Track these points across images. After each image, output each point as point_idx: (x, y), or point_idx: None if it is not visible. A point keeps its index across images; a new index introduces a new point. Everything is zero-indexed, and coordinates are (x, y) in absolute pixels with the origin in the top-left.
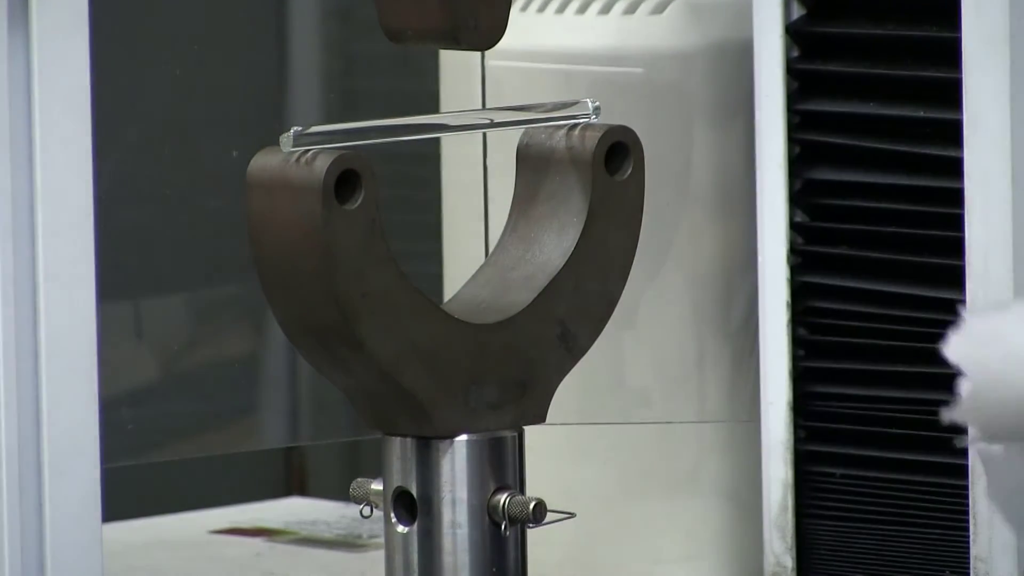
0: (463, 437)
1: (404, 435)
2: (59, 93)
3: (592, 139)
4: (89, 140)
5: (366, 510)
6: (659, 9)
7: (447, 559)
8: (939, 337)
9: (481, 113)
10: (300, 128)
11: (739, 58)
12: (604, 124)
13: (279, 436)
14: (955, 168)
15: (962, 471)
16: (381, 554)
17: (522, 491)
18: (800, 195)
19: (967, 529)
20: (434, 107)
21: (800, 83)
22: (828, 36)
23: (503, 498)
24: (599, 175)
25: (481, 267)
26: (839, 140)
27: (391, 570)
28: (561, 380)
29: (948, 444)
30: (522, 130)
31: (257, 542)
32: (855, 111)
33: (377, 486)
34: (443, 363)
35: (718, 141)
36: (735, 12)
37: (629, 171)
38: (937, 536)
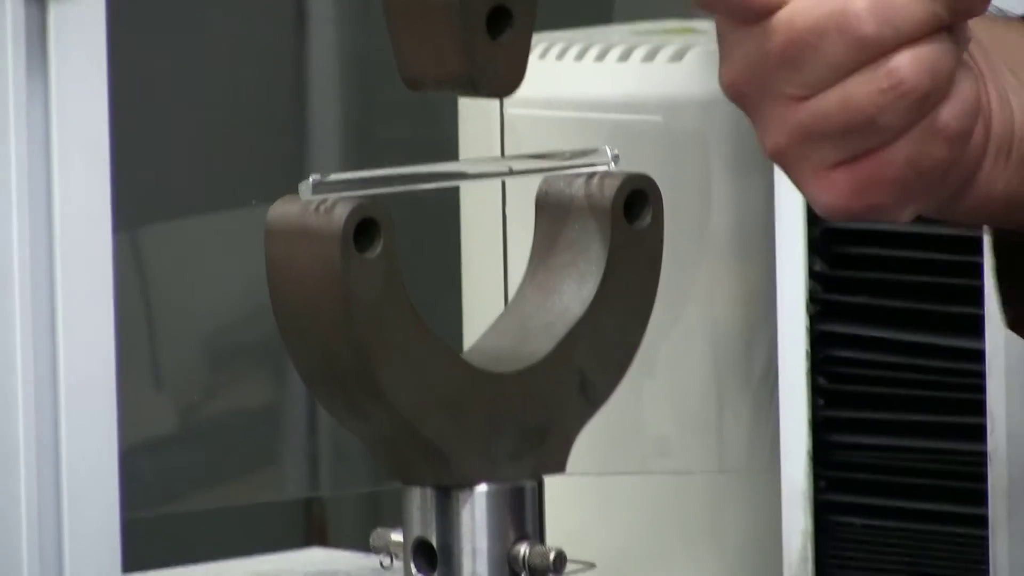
0: (483, 487)
1: (423, 485)
2: (77, 141)
3: (611, 187)
4: (108, 189)
5: (386, 560)
6: (678, 56)
7: None
8: (959, 386)
9: (500, 161)
10: (319, 176)
11: None
12: (623, 172)
13: (299, 486)
14: None
15: (982, 521)
16: None
17: (542, 541)
18: (819, 243)
19: None
20: (453, 155)
21: None
22: None
23: (523, 548)
24: (618, 223)
25: (500, 316)
26: None
27: None
28: (581, 429)
29: (969, 494)
30: (541, 178)
31: None
32: None
33: (397, 536)
34: (463, 412)
35: (737, 189)
36: None
37: (648, 219)
38: None
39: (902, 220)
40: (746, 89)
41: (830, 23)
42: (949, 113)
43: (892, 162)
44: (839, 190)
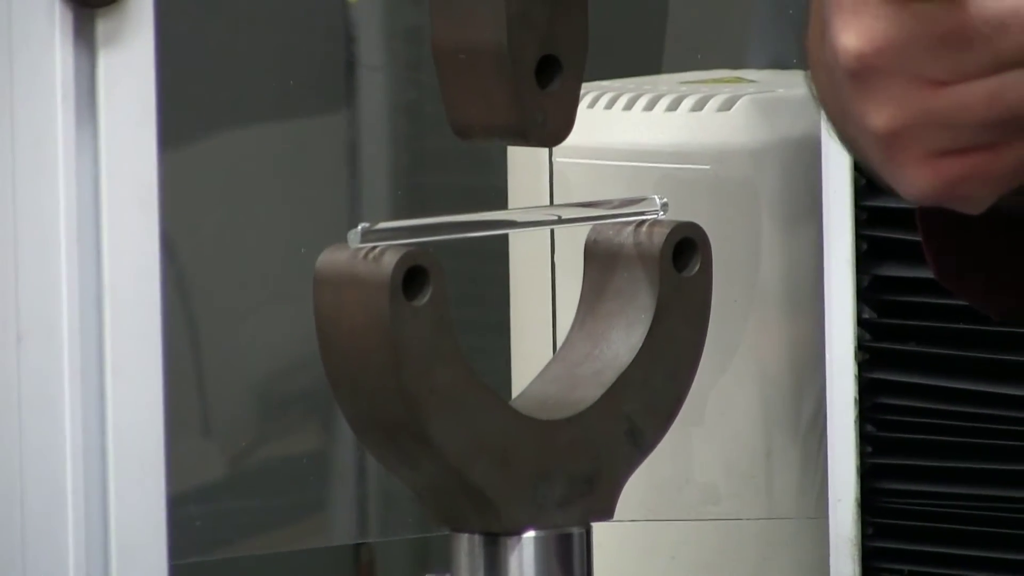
0: (531, 533)
1: (472, 532)
2: (127, 189)
3: (660, 235)
4: (157, 236)
5: None
6: (727, 106)
7: None
8: (1007, 433)
9: (549, 209)
10: (368, 224)
11: (806, 155)
12: (672, 220)
13: (347, 532)
14: None
15: None
16: None
17: None
18: (868, 291)
19: None
20: (502, 203)
21: (868, 179)
22: None
23: None
24: (667, 271)
25: (549, 363)
26: (907, 236)
27: None
28: (629, 476)
29: (1017, 541)
30: (590, 226)
31: None
32: None
33: None
34: (511, 459)
35: (786, 237)
36: (802, 109)
37: (697, 268)
38: None
39: (976, 212)
40: (877, 62)
41: (1016, 17)
42: None
43: (1004, 159)
44: (940, 179)
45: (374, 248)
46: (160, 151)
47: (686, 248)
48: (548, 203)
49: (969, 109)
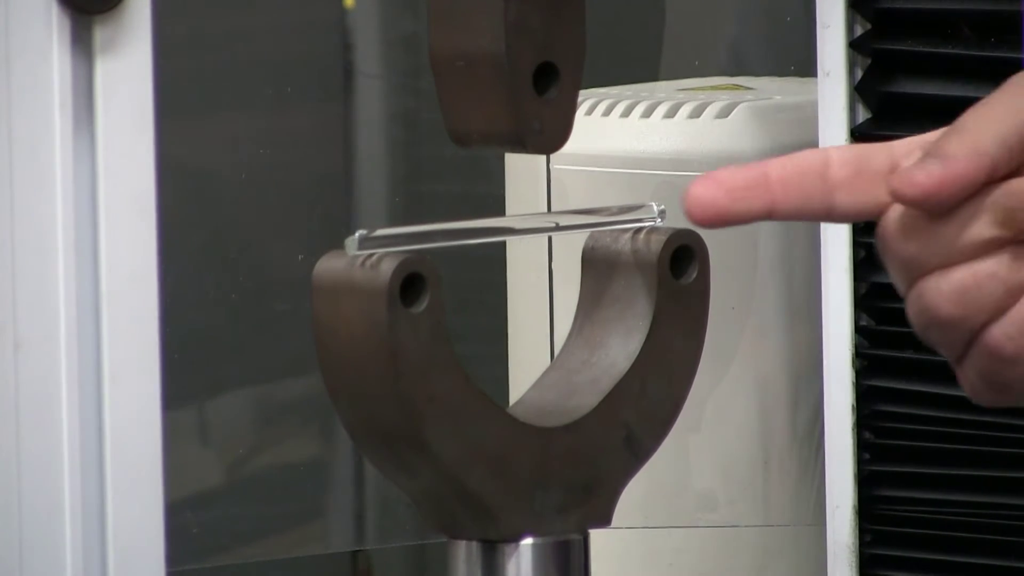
0: (528, 540)
1: (469, 539)
2: (124, 196)
3: (657, 243)
4: (155, 243)
5: None
6: (724, 113)
7: None
8: (1005, 440)
9: (546, 216)
10: (365, 231)
11: None
12: (669, 228)
13: (345, 539)
14: None
15: None
16: None
17: None
18: (865, 299)
19: None
20: (499, 210)
21: None
22: (893, 139)
23: None
24: (664, 279)
25: (546, 370)
26: None
27: None
28: (626, 483)
29: (1015, 548)
30: (587, 233)
31: None
32: None
33: None
34: (509, 466)
35: (783, 244)
36: (800, 116)
37: (695, 275)
38: None
39: None
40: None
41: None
42: (1002, 333)
43: (967, 374)
44: (964, 383)
45: (371, 255)
46: (157, 157)
47: (684, 255)
48: (546, 210)
49: (912, 319)
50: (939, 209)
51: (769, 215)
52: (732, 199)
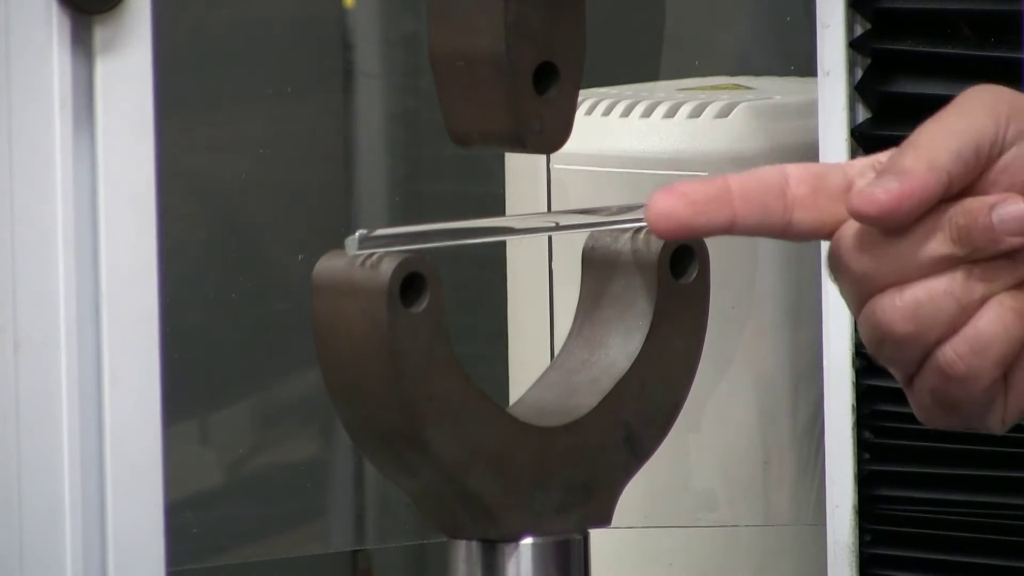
0: (528, 540)
1: (469, 538)
2: (124, 196)
3: (657, 243)
4: (154, 243)
5: None
6: (724, 113)
7: None
8: (1006, 440)
9: (546, 216)
10: (365, 231)
11: (804, 160)
12: None
13: (345, 539)
14: None
15: None
16: None
17: None
18: None
19: None
20: (499, 210)
21: None
22: (893, 139)
23: None
24: (664, 278)
25: (546, 370)
26: None
27: None
28: (626, 483)
29: (1016, 548)
30: (587, 233)
31: None
32: None
33: None
34: (509, 466)
35: (784, 244)
36: (800, 116)
37: (695, 275)
38: None
39: (986, 428)
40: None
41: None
42: (953, 352)
43: (918, 394)
44: (914, 403)
45: (371, 255)
46: (157, 157)
47: (683, 255)
48: (546, 210)
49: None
50: (897, 226)
51: (729, 229)
52: (694, 212)
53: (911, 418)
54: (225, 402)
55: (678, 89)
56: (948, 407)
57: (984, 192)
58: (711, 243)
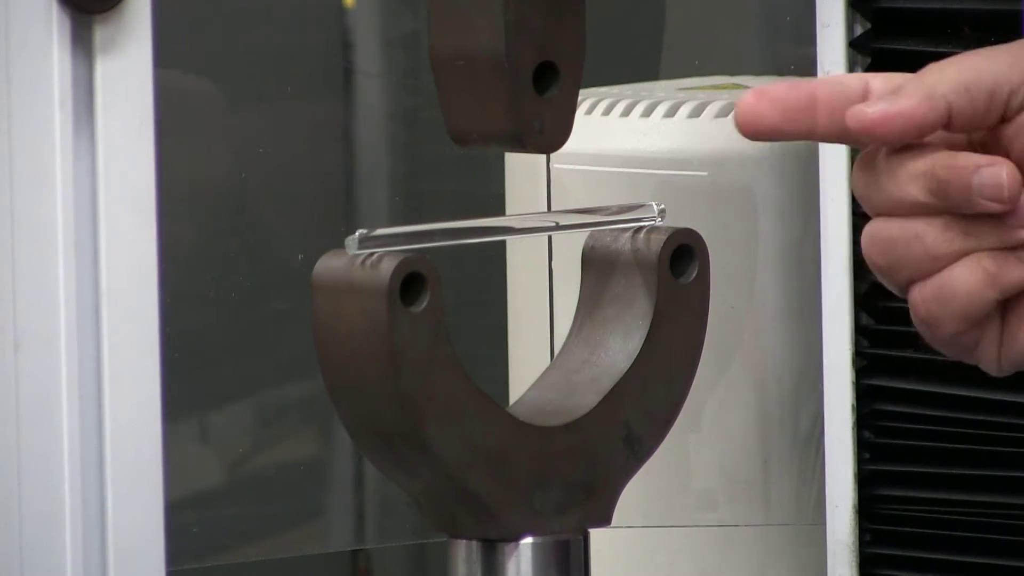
0: (528, 540)
1: (469, 538)
2: (124, 195)
3: (657, 242)
4: (154, 243)
5: None
6: (724, 112)
7: None
8: (1006, 440)
9: (546, 216)
10: (365, 231)
11: (804, 161)
12: (669, 227)
13: (344, 539)
14: None
15: None
16: None
17: None
18: (865, 298)
19: None
20: (499, 210)
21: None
22: None
23: None
24: (664, 278)
25: (546, 370)
26: None
27: None
28: (626, 483)
29: (1016, 548)
30: (587, 233)
31: None
32: None
33: None
34: (509, 466)
35: (783, 244)
36: None
37: (695, 274)
38: None
39: (981, 366)
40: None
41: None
42: (919, 295)
43: (912, 317)
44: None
45: (371, 254)
46: (157, 157)
47: (684, 255)
48: (546, 209)
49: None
50: (884, 144)
51: (811, 136)
52: (784, 118)
53: (911, 418)
54: (225, 402)
55: (678, 89)
56: (931, 339)
57: (1001, 149)
58: (711, 243)
